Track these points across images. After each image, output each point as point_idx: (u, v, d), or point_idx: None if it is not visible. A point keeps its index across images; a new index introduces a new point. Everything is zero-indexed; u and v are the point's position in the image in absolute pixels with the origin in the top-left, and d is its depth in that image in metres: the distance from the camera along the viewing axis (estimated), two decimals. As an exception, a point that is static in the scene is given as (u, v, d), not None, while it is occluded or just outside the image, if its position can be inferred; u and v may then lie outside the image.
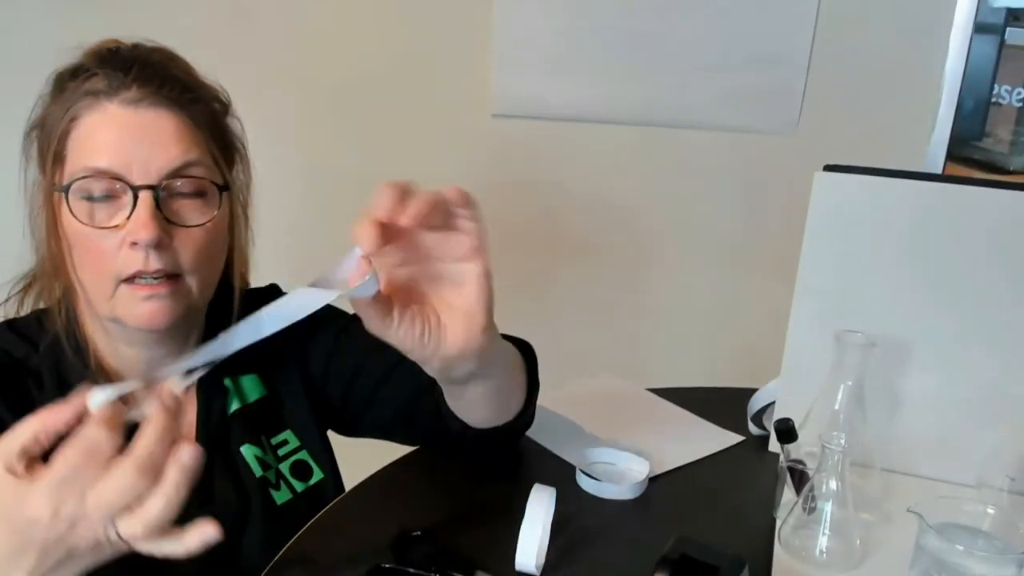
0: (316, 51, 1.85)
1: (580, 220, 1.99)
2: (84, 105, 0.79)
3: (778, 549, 0.87)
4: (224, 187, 0.85)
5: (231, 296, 0.91)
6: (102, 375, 0.86)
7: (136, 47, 0.84)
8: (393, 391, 0.97)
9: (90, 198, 0.78)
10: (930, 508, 0.75)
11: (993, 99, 2.00)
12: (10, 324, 0.88)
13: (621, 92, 1.90)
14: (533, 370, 0.95)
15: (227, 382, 0.93)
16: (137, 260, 0.78)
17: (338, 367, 0.99)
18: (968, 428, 0.98)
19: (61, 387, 0.83)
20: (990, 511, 0.78)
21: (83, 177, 0.78)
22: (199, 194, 0.82)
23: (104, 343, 0.87)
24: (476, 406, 0.89)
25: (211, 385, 0.91)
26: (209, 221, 0.83)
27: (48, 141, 0.81)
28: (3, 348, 0.85)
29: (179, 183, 0.80)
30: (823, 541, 0.85)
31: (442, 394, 0.91)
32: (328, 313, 1.01)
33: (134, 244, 0.78)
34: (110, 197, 0.79)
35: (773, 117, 1.91)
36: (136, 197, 0.78)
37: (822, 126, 1.89)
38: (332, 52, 1.86)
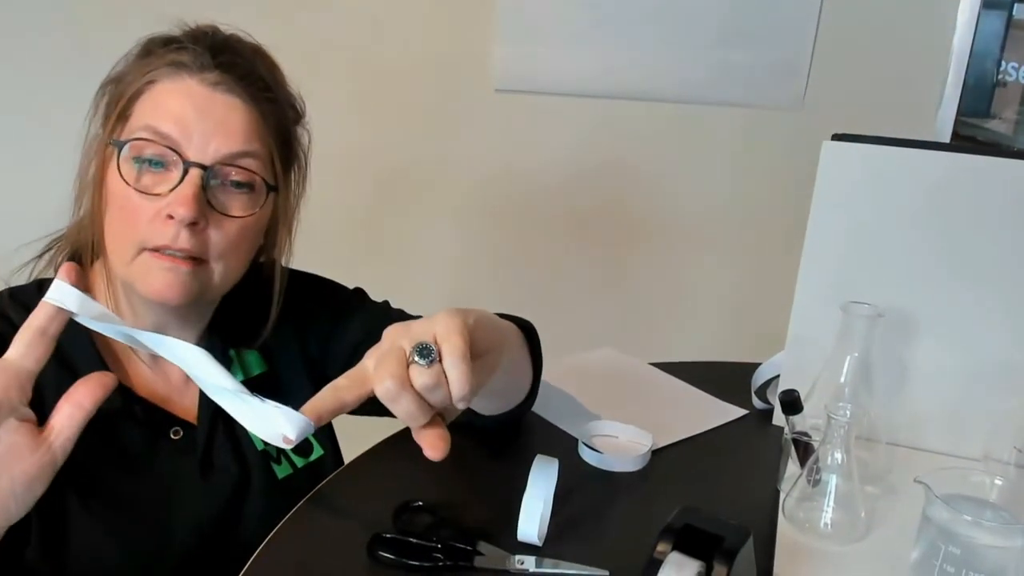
0: (314, 26, 1.83)
1: (583, 195, 1.98)
2: (164, 73, 0.80)
3: (782, 521, 0.86)
4: (273, 187, 0.84)
5: (251, 285, 0.90)
6: (106, 349, 0.85)
7: (232, 36, 0.85)
8: None
9: (140, 160, 0.78)
10: (937, 479, 0.74)
11: (1000, 76, 1.98)
12: (12, 293, 0.87)
13: (625, 67, 1.88)
14: (536, 350, 0.95)
15: (231, 353, 0.92)
16: (167, 234, 0.78)
17: (337, 346, 0.98)
18: (975, 400, 0.98)
19: (63, 360, 0.82)
20: (997, 482, 0.77)
21: (141, 138, 0.78)
22: (247, 188, 0.82)
23: (123, 308, 0.86)
24: (487, 399, 0.90)
25: (215, 355, 0.90)
26: (250, 216, 0.82)
27: (119, 97, 0.81)
28: (8, 317, 0.84)
29: (231, 171, 0.80)
30: (828, 513, 0.84)
31: None
32: (328, 294, 1.01)
33: (170, 218, 0.77)
34: (160, 165, 0.78)
35: (779, 92, 1.89)
36: (186, 172, 0.77)
37: (828, 102, 1.88)
38: (331, 26, 1.84)
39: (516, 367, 0.89)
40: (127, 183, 0.78)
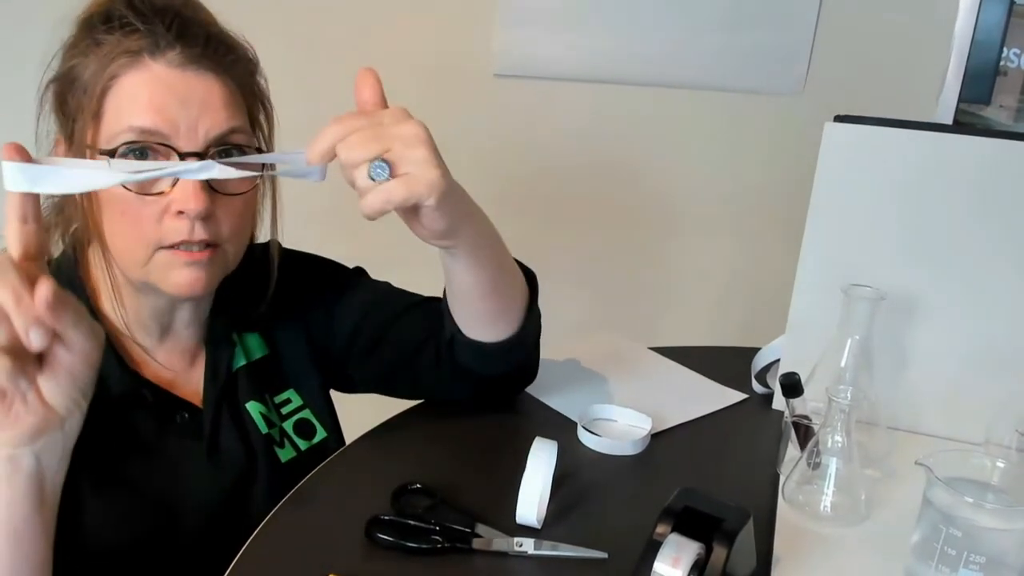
0: (313, 7, 1.82)
1: (583, 181, 1.97)
2: (125, 63, 0.75)
3: (782, 505, 0.86)
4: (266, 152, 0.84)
5: (246, 267, 0.88)
6: (113, 334, 0.84)
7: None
8: (393, 342, 0.96)
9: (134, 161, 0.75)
10: (938, 461, 0.73)
11: (1001, 63, 1.97)
12: None
13: (625, 52, 1.87)
14: (533, 296, 0.95)
15: (234, 336, 0.91)
16: (182, 230, 0.76)
17: (339, 323, 0.98)
18: (976, 383, 0.97)
19: None
20: (999, 465, 0.76)
21: (130, 142, 0.75)
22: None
23: (126, 294, 0.84)
24: (469, 300, 0.88)
25: (219, 338, 0.90)
26: (252, 188, 0.81)
27: (83, 98, 0.77)
28: None
29: (224, 151, 0.78)
30: (828, 496, 0.84)
31: (442, 328, 0.92)
32: (329, 273, 1.00)
33: (180, 213, 0.75)
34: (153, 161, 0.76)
35: (779, 78, 1.88)
36: None
37: (828, 88, 1.87)
38: (330, 11, 1.82)
39: (496, 276, 0.88)
40: (128, 188, 0.75)
